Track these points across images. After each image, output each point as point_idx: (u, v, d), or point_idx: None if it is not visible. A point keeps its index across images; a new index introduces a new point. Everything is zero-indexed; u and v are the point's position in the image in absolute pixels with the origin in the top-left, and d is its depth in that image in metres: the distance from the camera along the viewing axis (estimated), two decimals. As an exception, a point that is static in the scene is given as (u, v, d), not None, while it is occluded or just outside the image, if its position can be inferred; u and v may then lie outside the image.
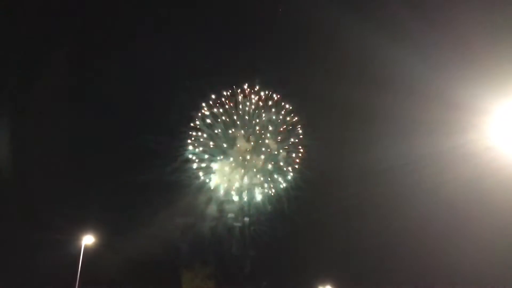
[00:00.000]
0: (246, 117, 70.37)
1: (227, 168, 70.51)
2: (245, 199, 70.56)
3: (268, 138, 70.79)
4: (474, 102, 39.02)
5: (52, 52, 57.08)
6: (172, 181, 64.55)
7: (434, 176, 47.88)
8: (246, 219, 69.41)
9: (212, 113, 69.58)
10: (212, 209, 66.35)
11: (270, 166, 70.97)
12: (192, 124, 69.20)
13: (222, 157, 70.64)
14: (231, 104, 69.84)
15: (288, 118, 70.64)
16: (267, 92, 70.36)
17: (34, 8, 53.47)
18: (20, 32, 52.83)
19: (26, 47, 54.66)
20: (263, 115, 70.31)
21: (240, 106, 70.11)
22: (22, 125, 52.62)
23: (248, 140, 71.18)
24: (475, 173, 41.61)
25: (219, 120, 69.78)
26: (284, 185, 69.64)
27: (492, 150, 34.73)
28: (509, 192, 38.55)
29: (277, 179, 70.73)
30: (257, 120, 70.37)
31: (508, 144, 32.64)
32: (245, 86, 70.20)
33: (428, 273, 48.71)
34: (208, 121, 69.32)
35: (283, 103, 70.40)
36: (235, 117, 70.08)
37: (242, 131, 70.27)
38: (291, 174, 69.40)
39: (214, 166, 69.84)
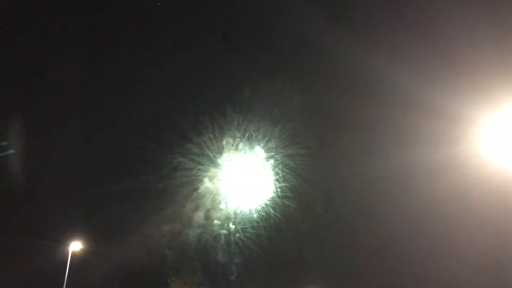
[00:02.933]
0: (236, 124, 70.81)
1: (214, 176, 70.54)
2: (232, 206, 70.67)
3: (257, 146, 71.20)
4: (462, 113, 39.97)
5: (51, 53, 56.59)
6: (160, 188, 64.26)
7: (422, 186, 48.72)
8: (232, 226, 69.46)
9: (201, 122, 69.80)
10: (199, 216, 66.16)
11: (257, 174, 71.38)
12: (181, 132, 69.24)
13: (210, 164, 70.70)
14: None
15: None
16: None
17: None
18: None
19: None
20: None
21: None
22: (8, 128, 51.74)
23: (236, 148, 71.41)
24: (463, 183, 42.54)
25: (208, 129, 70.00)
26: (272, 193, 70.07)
27: (479, 159, 35.70)
28: (496, 201, 39.72)
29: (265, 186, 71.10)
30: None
31: (495, 154, 33.74)
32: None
33: (415, 280, 49.36)
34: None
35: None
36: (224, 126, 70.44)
37: (231, 139, 70.46)
38: (279, 182, 69.83)
39: (202, 173, 69.80)
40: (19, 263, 45.28)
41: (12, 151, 46.19)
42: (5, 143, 46.01)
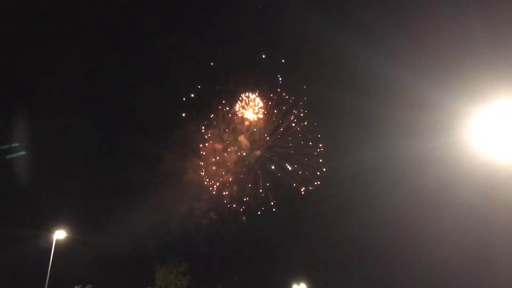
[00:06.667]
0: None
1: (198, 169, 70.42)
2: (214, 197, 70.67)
3: (241, 136, 71.23)
4: (452, 106, 41.03)
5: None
6: (145, 179, 63.81)
7: (413, 177, 49.76)
8: (214, 216, 69.55)
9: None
10: (183, 207, 65.88)
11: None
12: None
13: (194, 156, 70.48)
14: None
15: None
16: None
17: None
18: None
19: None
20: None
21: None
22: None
23: (221, 140, 71.30)
24: (452, 174, 43.72)
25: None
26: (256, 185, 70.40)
27: (468, 151, 36.73)
28: (483, 191, 41.02)
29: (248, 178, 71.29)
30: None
31: (483, 145, 34.81)
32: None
33: (403, 269, 50.37)
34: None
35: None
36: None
37: (219, 129, 70.43)
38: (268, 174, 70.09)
39: (186, 165, 69.53)
40: (2, 251, 44.22)
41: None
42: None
